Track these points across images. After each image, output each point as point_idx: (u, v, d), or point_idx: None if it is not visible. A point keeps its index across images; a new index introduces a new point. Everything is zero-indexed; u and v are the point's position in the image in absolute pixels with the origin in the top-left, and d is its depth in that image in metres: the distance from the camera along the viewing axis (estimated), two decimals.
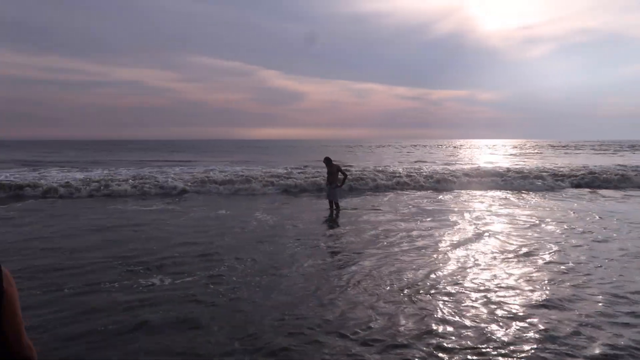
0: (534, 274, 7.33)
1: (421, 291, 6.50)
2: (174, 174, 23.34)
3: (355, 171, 24.54)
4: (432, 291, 6.50)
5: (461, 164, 35.80)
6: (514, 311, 5.77)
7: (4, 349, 1.83)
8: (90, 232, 10.68)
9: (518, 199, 17.32)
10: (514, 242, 9.58)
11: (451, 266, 7.80)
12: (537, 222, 12.08)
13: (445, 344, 4.85)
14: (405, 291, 6.50)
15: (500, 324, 5.38)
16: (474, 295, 6.36)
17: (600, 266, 7.83)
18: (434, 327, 5.30)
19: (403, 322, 5.44)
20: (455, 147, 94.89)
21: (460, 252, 8.81)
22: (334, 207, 13.95)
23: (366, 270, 7.58)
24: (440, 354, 4.65)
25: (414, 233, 10.60)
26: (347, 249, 9.15)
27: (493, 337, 5.04)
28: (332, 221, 12.49)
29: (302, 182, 20.71)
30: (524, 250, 8.92)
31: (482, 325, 5.35)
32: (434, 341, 4.93)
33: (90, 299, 6.23)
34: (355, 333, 5.12)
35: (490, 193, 19.09)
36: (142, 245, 9.22)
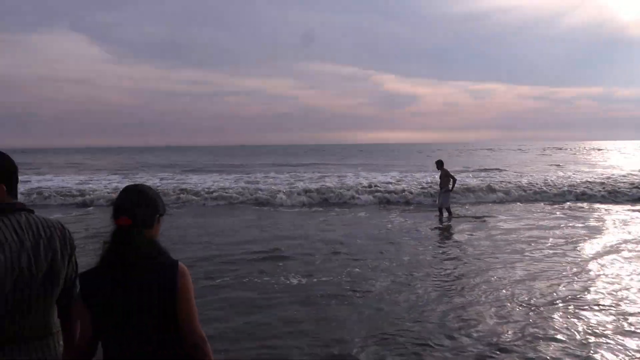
0: None
1: (577, 305, 5.89)
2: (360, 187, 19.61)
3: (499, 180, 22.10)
4: (592, 306, 5.86)
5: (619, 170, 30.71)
6: None
7: (179, 339, 1.95)
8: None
9: None
10: None
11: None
12: None
13: None
14: (560, 304, 5.95)
15: None
16: None
17: None
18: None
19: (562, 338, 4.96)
20: (594, 149, 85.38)
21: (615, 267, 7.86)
22: (445, 213, 13.48)
23: (504, 280, 7.09)
24: None
25: (554, 241, 9.71)
26: (470, 255, 8.69)
27: None
28: (445, 229, 11.95)
29: None
30: None
31: None
32: None
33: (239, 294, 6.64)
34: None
35: None
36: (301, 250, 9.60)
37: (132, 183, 2.21)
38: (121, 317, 1.91)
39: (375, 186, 19.53)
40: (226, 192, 18.29)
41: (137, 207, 1.98)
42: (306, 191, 18.25)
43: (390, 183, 20.96)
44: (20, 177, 2.08)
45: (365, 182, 20.88)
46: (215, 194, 18.02)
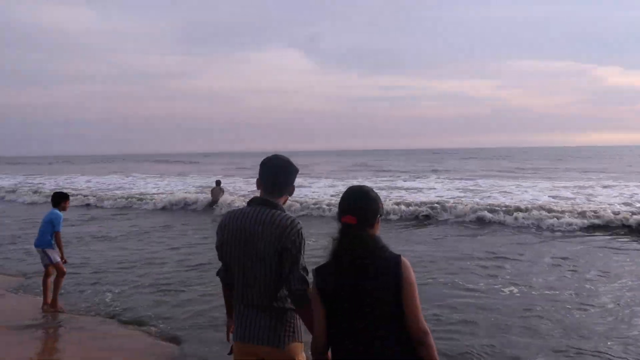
0: None
1: None
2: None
3: None
4: None
5: None
6: None
7: (404, 330, 2.02)
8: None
9: None
10: None
11: None
12: None
13: None
14: None
15: None
16: None
17: None
18: None
19: None
20: None
21: None
22: None
23: None
24: None
25: None
26: None
27: None
28: None
29: None
30: None
31: None
32: None
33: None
34: None
35: None
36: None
37: (357, 184, 2.37)
38: (351, 310, 2.03)
39: None
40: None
41: (361, 207, 2.12)
42: None
43: None
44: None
45: None
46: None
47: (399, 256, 2.06)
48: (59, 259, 6.47)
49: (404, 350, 2.01)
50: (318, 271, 2.16)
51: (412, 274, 2.04)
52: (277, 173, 2.48)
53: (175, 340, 5.35)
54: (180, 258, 9.34)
